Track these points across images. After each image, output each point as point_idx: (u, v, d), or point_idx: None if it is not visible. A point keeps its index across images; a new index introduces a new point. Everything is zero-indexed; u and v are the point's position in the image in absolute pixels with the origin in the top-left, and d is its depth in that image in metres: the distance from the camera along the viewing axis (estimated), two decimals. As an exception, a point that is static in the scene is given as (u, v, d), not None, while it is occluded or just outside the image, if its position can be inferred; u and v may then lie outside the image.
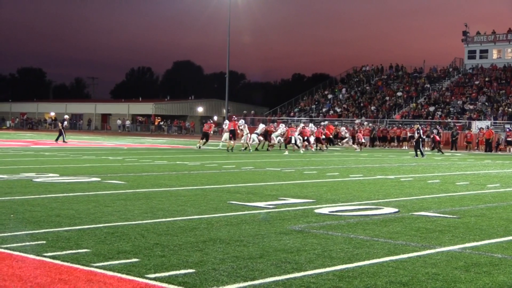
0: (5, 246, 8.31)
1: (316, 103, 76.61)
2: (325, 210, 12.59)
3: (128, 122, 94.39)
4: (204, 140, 40.27)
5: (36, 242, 8.61)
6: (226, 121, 42.30)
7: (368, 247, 8.92)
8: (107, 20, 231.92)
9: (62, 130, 44.53)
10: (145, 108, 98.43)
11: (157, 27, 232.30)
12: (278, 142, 40.60)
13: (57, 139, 43.92)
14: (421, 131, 36.61)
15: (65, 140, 44.20)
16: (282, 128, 41.74)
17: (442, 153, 41.75)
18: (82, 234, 9.29)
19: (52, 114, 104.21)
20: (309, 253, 8.42)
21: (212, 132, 42.57)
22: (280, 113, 76.04)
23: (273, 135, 41.28)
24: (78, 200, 13.10)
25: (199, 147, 40.05)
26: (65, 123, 45.51)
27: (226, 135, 40.06)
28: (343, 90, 77.64)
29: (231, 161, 27.48)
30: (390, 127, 56.52)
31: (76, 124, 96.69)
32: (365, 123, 44.99)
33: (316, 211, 12.43)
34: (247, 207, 12.79)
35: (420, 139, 36.33)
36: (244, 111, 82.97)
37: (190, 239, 9.18)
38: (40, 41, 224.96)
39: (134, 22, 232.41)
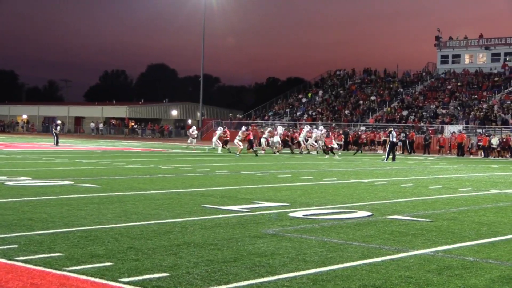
0: (-24, 250, 8.20)
1: (291, 106, 76.76)
2: (299, 213, 12.60)
3: (101, 125, 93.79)
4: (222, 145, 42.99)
5: (7, 246, 8.52)
6: (220, 128, 44.32)
7: (342, 250, 8.95)
8: (81, 22, 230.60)
9: (55, 135, 45.62)
10: (119, 111, 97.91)
11: (132, 30, 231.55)
12: (310, 145, 42.38)
13: (57, 144, 44.77)
14: (394, 134, 36.86)
15: (57, 144, 45.09)
16: (305, 130, 43.20)
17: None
18: (55, 238, 9.21)
19: (25, 117, 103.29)
20: (283, 256, 8.43)
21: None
22: (254, 116, 76.07)
23: (300, 139, 43.22)
24: (50, 204, 12.99)
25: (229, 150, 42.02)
26: (58, 128, 46.17)
27: (215, 139, 42.33)
28: (320, 93, 77.88)
29: (205, 165, 27.43)
30: (364, 131, 56.79)
31: (49, 127, 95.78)
32: (320, 127, 45.50)
33: (290, 214, 12.44)
34: (221, 210, 12.78)
35: (394, 143, 36.62)
36: (230, 114, 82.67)
37: (164, 242, 9.14)
38: (12, 43, 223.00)
39: (108, 24, 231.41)
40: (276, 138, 42.87)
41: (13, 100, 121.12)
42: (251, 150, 38.40)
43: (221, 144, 41.85)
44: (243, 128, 41.78)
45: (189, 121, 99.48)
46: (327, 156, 38.70)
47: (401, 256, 8.69)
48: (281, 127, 46.22)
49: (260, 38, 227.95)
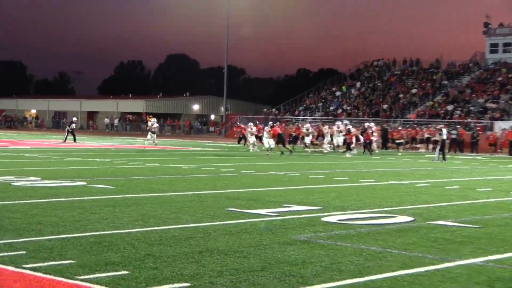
0: (-19, 256, 8.28)
1: (323, 100, 76.62)
2: (333, 218, 12.56)
3: (116, 121, 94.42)
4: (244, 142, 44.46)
5: (15, 252, 8.58)
6: (251, 124, 44.59)
7: (380, 259, 8.89)
8: (94, 9, 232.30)
9: (69, 132, 46.71)
10: (136, 105, 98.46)
11: (149, 17, 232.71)
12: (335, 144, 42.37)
13: (75, 140, 45.84)
14: (445, 132, 36.66)
15: (65, 141, 45.95)
16: (341, 128, 43.10)
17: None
18: (66, 244, 9.26)
19: (34, 111, 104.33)
20: (316, 265, 8.40)
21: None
22: (283, 111, 76.03)
23: (334, 138, 43.19)
24: (61, 207, 13.08)
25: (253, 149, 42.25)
26: (73, 125, 46.97)
27: (253, 138, 42.21)
28: (356, 85, 77.62)
29: (229, 164, 27.47)
30: (404, 128, 56.46)
31: (59, 123, 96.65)
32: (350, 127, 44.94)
33: (324, 219, 12.40)
34: (247, 214, 12.77)
35: (445, 141, 36.52)
36: (265, 109, 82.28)
37: (184, 249, 9.16)
38: (20, 31, 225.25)
39: (124, 11, 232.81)
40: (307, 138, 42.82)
41: (21, 93, 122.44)
42: (279, 146, 38.00)
43: (273, 142, 41.17)
44: (268, 126, 41.61)
45: (212, 117, 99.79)
46: (348, 155, 38.59)
47: (447, 266, 8.61)
48: (339, 123, 45.72)
49: (289, 26, 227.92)
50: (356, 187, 19.23)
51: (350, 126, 43.82)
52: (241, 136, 44.97)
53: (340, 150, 42.76)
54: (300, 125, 52.13)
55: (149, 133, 44.04)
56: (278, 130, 38.99)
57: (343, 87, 78.51)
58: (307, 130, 43.51)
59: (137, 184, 18.12)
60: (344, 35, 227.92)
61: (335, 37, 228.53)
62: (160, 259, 8.50)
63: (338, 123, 44.50)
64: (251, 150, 41.54)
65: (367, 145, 42.53)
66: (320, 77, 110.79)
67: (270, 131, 38.75)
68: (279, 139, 38.15)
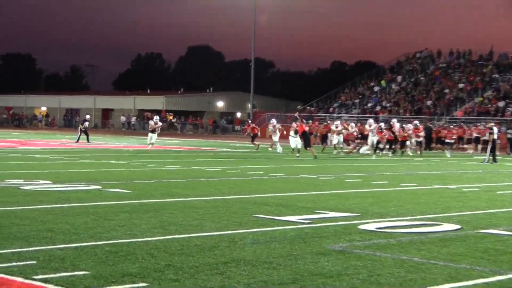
0: (-13, 266, 8.38)
1: (360, 96, 76.42)
2: (371, 226, 12.54)
3: (133, 119, 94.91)
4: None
5: (24, 262, 8.67)
6: (273, 120, 44.08)
7: (423, 271, 8.86)
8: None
9: (82, 131, 47.22)
10: (154, 102, 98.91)
11: (169, 6, 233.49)
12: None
13: (88, 140, 46.36)
14: (496, 131, 36.41)
15: (78, 141, 46.51)
16: (373, 126, 41.91)
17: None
18: (79, 253, 9.34)
19: (44, 109, 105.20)
20: (352, 278, 8.39)
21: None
22: (316, 108, 75.95)
23: (369, 137, 41.68)
24: (74, 212, 13.18)
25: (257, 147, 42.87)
26: (86, 123, 47.44)
27: (276, 137, 41.83)
28: (397, 80, 77.31)
29: (257, 166, 27.51)
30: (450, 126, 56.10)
31: (72, 121, 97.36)
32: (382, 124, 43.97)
33: (361, 227, 12.38)
34: (276, 221, 12.78)
35: (495, 142, 36.25)
36: (298, 106, 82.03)
37: (208, 259, 9.18)
38: (28, 22, 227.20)
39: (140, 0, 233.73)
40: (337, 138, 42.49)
41: (30, 89, 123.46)
42: (312, 150, 36.63)
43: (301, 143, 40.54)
44: (294, 123, 40.31)
45: (238, 114, 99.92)
46: (374, 157, 37.84)
47: (498, 280, 8.56)
48: (372, 121, 45.17)
49: (322, 16, 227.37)
50: (396, 192, 19.16)
51: (382, 124, 43.46)
52: (252, 135, 44.68)
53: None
54: (329, 122, 51.13)
55: (150, 133, 38.61)
56: (304, 128, 36.94)
57: (382, 82, 78.24)
58: (336, 127, 42.85)
59: (156, 188, 18.19)
60: (383, 24, 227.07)
61: (373, 27, 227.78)
62: (182, 270, 8.53)
63: (370, 121, 43.80)
64: (270, 149, 41.69)
65: (402, 144, 42.05)
66: (356, 71, 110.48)
67: (296, 128, 36.80)
68: (304, 139, 36.24)
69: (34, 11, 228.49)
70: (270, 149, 42.46)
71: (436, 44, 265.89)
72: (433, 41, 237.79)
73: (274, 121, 43.86)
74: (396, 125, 42.89)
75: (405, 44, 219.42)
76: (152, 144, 38.18)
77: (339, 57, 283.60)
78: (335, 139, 42.56)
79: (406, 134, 42.03)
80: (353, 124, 45.84)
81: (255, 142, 43.78)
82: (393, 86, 76.78)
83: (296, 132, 36.66)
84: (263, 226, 12.17)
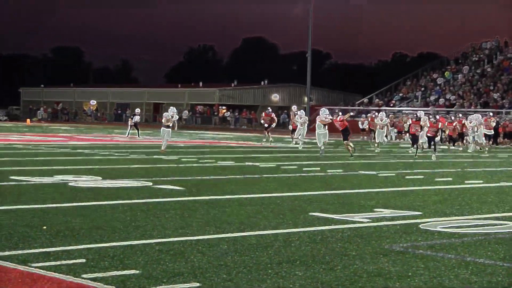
0: (36, 265, 8.51)
1: (423, 89, 75.76)
2: (434, 225, 12.45)
3: (185, 113, 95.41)
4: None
5: (73, 261, 8.78)
6: (301, 112, 42.39)
7: (490, 274, 8.77)
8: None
9: (132, 126, 47.87)
10: (207, 95, 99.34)
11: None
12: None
13: (138, 135, 46.88)
14: None
15: (128, 135, 47.09)
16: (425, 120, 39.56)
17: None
18: (129, 252, 9.43)
19: (93, 103, 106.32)
20: (414, 280, 8.33)
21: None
22: (377, 101, 75.51)
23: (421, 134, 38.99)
24: (124, 210, 13.32)
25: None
26: (136, 117, 47.94)
27: (302, 131, 40.19)
28: (463, 71, 76.43)
29: (314, 162, 27.45)
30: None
31: (121, 115, 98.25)
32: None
33: (423, 226, 12.30)
34: (334, 220, 12.75)
35: None
36: (365, 99, 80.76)
37: (263, 259, 9.20)
38: (77, 14, 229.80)
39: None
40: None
41: (78, 82, 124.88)
42: (348, 145, 32.84)
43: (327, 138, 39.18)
44: (339, 116, 35.23)
45: (294, 108, 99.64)
46: (410, 152, 36.01)
47: None
48: (422, 113, 43.97)
49: (382, 5, 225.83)
50: (461, 190, 18.97)
51: (434, 117, 42.38)
52: (267, 125, 43.55)
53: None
54: (375, 114, 48.40)
55: (164, 128, 32.82)
56: (347, 124, 33.10)
57: (446, 74, 77.44)
58: (382, 120, 41.50)
59: (208, 185, 18.28)
60: (446, 13, 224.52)
61: (436, 16, 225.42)
62: (235, 270, 8.56)
63: (420, 113, 41.99)
64: (293, 144, 40.58)
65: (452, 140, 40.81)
66: (419, 62, 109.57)
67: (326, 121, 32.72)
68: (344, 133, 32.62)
69: (82, 3, 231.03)
70: (296, 143, 40.34)
71: (504, 33, 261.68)
72: (501, 30, 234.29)
73: (302, 112, 42.08)
74: (424, 118, 39.80)
75: (470, 34, 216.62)
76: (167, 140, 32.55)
77: (400, 48, 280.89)
78: (378, 133, 41.03)
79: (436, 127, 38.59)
80: (383, 114, 43.63)
81: (293, 136, 41.83)
82: (458, 78, 75.91)
83: (325, 126, 32.56)
84: (320, 225, 12.15)
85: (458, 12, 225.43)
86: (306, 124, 40.98)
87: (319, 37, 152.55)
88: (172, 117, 33.32)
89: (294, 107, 46.80)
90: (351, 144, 32.50)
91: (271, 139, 42.79)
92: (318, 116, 33.34)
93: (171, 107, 35.01)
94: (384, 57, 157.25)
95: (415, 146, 35.44)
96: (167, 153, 30.12)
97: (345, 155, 32.40)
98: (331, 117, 33.01)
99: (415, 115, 39.74)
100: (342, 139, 32.94)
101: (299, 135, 40.03)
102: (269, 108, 47.11)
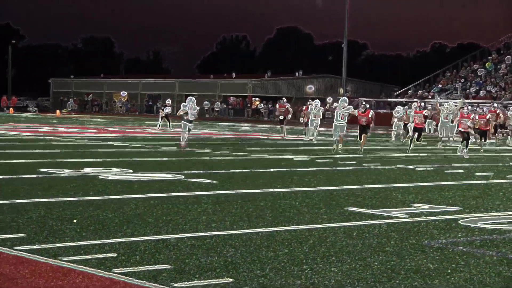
0: (66, 259, 8.58)
1: (463, 80, 75.23)
2: (474, 221, 12.39)
3: (218, 105, 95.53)
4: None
5: (104, 255, 8.85)
6: (317, 102, 39.60)
7: (532, 271, 8.71)
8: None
9: (163, 117, 47.85)
10: (240, 86, 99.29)
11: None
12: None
13: (170, 127, 46.75)
14: None
15: (159, 127, 47.14)
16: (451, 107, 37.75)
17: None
18: (160, 246, 9.48)
19: (124, 94, 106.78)
20: (453, 277, 8.29)
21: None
22: (414, 93, 75.11)
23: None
24: (155, 203, 13.38)
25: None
26: (167, 108, 47.93)
27: (316, 123, 37.87)
28: (506, 60, 75.75)
29: (350, 156, 27.37)
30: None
31: (153, 107, 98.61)
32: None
33: (463, 222, 12.24)
34: (370, 215, 12.73)
35: None
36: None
37: (297, 254, 9.21)
38: (108, 4, 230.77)
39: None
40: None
41: (109, 73, 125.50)
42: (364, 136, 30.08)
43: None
44: (362, 108, 31.34)
45: (329, 99, 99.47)
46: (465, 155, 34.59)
47: None
48: (400, 107, 42.45)
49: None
50: (503, 184, 18.84)
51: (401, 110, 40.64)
52: (282, 118, 41.21)
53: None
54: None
55: (185, 122, 29.80)
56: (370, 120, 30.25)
57: (488, 64, 76.79)
58: (398, 113, 40.39)
59: (241, 178, 18.31)
60: (487, 1, 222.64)
61: (476, 4, 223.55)
62: (269, 265, 8.57)
63: (451, 103, 40.06)
64: (306, 139, 38.37)
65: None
66: (459, 53, 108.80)
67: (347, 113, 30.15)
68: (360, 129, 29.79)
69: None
70: (306, 138, 38.74)
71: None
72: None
73: (318, 102, 39.49)
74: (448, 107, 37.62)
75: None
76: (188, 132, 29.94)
77: (440, 38, 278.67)
78: (394, 126, 40.14)
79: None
80: (399, 108, 42.48)
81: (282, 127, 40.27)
82: (500, 68, 75.26)
83: (344, 117, 29.87)
84: (355, 220, 12.14)
85: (499, 1, 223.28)
86: (320, 117, 38.57)
87: (355, 27, 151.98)
88: (192, 108, 29.69)
89: (329, 99, 46.06)
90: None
91: (285, 132, 40.82)
92: (337, 105, 30.95)
93: (191, 97, 30.42)
94: (422, 48, 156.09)
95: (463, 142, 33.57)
96: (199, 146, 30.16)
97: (383, 148, 32.28)
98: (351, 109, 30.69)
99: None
100: (360, 133, 29.63)
101: (313, 126, 37.73)
102: (283, 98, 45.37)
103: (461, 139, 30.07)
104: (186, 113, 29.46)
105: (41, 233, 10.07)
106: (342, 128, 29.71)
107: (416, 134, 30.75)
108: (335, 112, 30.32)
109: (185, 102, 30.12)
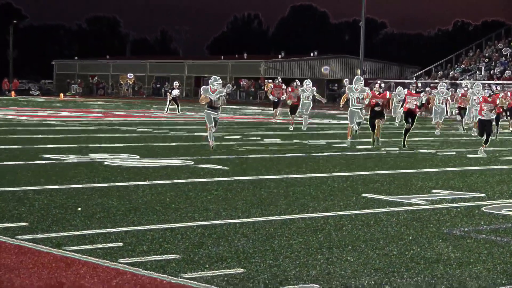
0: (70, 248, 8.61)
1: (487, 60, 74.95)
2: (497, 208, 12.38)
3: (229, 87, 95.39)
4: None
5: (110, 244, 8.87)
6: (308, 82, 35.01)
7: (559, 260, 8.69)
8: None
9: (170, 100, 47.64)
10: (252, 67, 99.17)
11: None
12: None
13: (179, 110, 46.67)
14: None
15: (167, 111, 46.90)
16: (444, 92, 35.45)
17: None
18: (168, 235, 9.49)
19: (131, 76, 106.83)
20: (476, 266, 8.29)
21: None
22: (435, 74, 74.90)
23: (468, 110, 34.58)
24: (163, 190, 13.40)
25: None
26: (175, 91, 47.63)
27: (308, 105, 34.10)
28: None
29: (367, 140, 27.30)
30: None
31: (161, 89, 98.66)
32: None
33: (486, 209, 12.22)
34: (388, 202, 12.71)
35: None
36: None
37: (312, 243, 9.21)
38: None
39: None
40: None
41: (114, 54, 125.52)
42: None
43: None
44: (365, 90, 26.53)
45: (346, 81, 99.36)
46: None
47: None
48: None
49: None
50: (528, 170, 18.83)
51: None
52: (277, 100, 38.58)
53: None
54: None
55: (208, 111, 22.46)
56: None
57: (514, 43, 76.49)
58: (399, 95, 38.65)
59: (253, 164, 18.31)
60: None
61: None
62: (282, 255, 8.58)
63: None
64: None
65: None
66: (483, 31, 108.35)
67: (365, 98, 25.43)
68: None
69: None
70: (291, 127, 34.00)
71: None
72: None
73: (309, 82, 34.86)
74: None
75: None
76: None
77: (462, 15, 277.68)
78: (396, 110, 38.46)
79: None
80: (400, 89, 41.03)
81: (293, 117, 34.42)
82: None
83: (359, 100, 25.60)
84: (373, 207, 12.13)
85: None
86: (311, 98, 34.20)
87: (373, 4, 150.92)
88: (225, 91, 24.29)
89: (346, 80, 45.25)
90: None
91: (279, 115, 38.99)
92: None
93: (213, 77, 23.06)
94: (444, 26, 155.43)
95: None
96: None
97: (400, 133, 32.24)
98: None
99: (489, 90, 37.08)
100: (371, 120, 25.16)
101: (304, 109, 33.62)
102: (278, 78, 44.20)
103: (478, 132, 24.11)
104: (211, 101, 21.93)
105: (44, 222, 10.10)
106: (358, 114, 26.33)
107: (410, 123, 24.83)
108: (350, 95, 26.05)
109: (206, 85, 23.66)
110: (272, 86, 40.93)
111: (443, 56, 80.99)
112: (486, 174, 17.44)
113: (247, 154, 20.77)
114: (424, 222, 10.92)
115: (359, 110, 25.96)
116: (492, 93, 25.48)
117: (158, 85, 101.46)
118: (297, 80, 40.14)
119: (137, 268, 7.79)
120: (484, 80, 67.96)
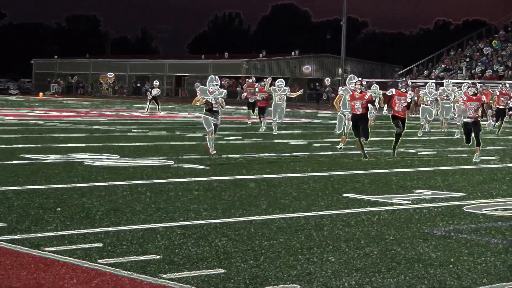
0: (49, 249, 8.58)
1: (468, 59, 75.23)
2: (479, 207, 12.43)
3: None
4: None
5: (89, 245, 8.85)
6: (281, 81, 32.18)
7: (540, 260, 8.74)
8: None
9: (151, 100, 47.35)
10: (233, 67, 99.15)
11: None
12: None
13: (159, 110, 46.56)
14: None
15: (147, 110, 46.71)
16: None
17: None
18: (149, 235, 9.49)
19: (111, 75, 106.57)
20: (457, 266, 8.32)
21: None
22: (416, 73, 75.14)
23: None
24: (143, 190, 13.39)
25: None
26: (155, 90, 47.40)
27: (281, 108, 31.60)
28: None
29: (348, 140, 27.34)
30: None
31: (141, 89, 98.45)
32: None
33: (466, 208, 12.28)
34: (370, 202, 12.74)
35: None
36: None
37: (293, 243, 9.23)
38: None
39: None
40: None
41: (94, 53, 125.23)
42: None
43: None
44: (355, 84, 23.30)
45: (327, 80, 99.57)
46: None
47: None
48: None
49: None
50: (508, 169, 18.88)
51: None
52: (252, 101, 36.29)
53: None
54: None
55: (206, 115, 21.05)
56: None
57: (494, 42, 76.76)
58: (375, 92, 36.90)
59: (234, 164, 18.32)
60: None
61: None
62: (263, 255, 8.59)
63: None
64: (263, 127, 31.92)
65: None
66: (464, 31, 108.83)
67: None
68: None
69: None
70: (249, 122, 35.52)
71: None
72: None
73: (282, 81, 32.21)
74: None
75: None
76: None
77: (443, 15, 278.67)
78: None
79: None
80: (376, 86, 40.36)
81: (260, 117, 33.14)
82: (507, 47, 75.27)
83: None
84: (354, 207, 12.16)
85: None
86: (285, 98, 31.38)
87: (355, 3, 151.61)
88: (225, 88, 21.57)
89: (327, 80, 45.38)
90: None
91: (253, 116, 36.22)
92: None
93: (211, 77, 20.79)
94: (426, 25, 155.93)
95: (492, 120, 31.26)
96: (190, 130, 30.14)
97: (385, 132, 32.30)
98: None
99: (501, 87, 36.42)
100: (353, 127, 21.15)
101: (277, 115, 30.50)
102: (252, 77, 43.40)
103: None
104: (208, 103, 19.76)
105: (23, 222, 10.07)
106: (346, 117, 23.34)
107: (400, 126, 21.78)
108: (343, 97, 23.52)
109: (202, 85, 21.15)
110: (245, 86, 40.29)
111: (424, 55, 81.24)
112: (467, 174, 17.52)
113: (228, 154, 20.76)
114: (405, 222, 10.95)
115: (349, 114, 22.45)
116: (476, 91, 24.86)
117: (139, 85, 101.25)
118: (252, 77, 38.93)
119: (117, 269, 7.78)
120: (464, 79, 68.23)
